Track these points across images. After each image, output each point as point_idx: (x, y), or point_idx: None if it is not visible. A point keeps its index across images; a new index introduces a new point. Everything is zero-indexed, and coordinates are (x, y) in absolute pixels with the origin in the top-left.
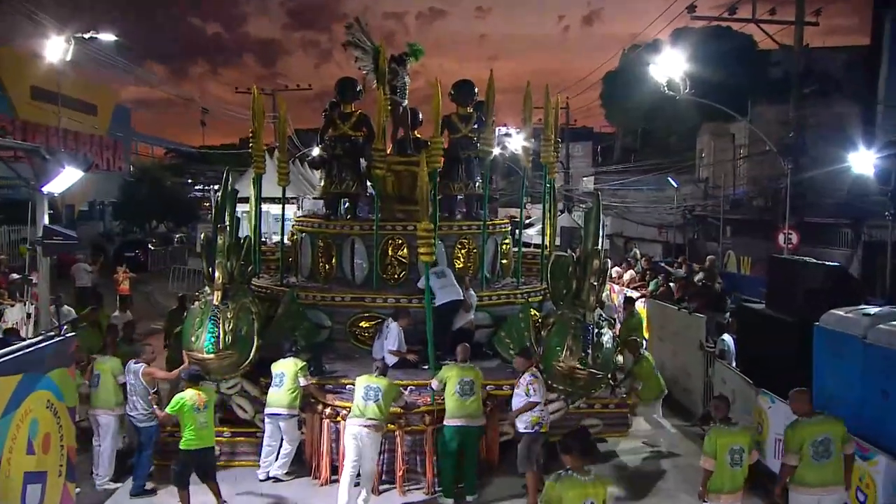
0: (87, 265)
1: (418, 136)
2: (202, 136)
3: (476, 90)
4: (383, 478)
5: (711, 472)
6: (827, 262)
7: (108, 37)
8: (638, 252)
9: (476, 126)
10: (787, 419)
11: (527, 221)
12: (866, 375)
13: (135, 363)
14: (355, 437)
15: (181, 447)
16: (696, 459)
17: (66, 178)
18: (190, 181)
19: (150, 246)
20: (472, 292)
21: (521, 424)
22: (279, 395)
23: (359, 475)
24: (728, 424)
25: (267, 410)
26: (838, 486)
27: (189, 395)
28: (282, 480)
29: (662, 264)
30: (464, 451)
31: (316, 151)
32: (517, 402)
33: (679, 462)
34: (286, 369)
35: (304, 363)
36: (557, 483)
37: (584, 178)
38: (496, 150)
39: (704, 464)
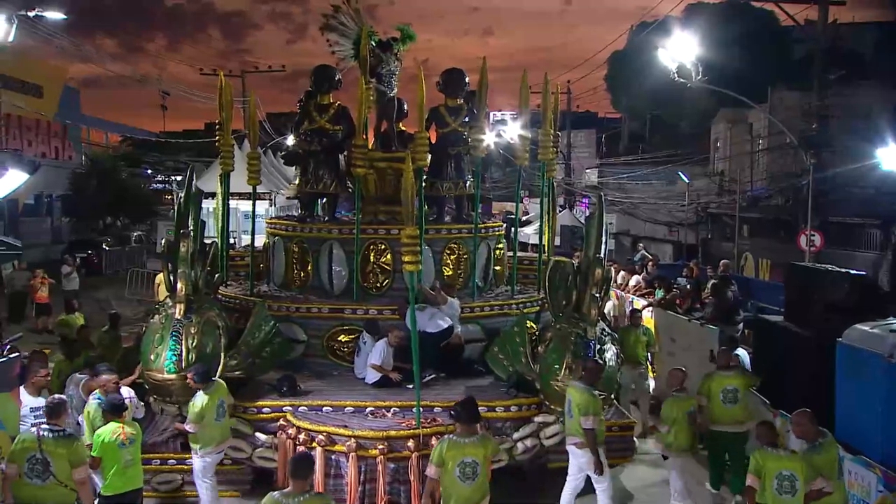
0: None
1: (404, 129)
2: (163, 120)
3: (467, 80)
4: None
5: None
6: (851, 271)
7: (56, 15)
8: (646, 253)
9: (467, 119)
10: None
11: (524, 218)
12: (891, 399)
13: (80, 373)
14: None
15: (102, 493)
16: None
17: (8, 182)
18: (149, 171)
19: (104, 245)
20: (455, 300)
21: None
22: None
23: None
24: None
25: None
26: None
27: (110, 430)
28: None
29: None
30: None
31: (290, 140)
32: None
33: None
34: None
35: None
36: (440, 445)
37: (587, 171)
38: (490, 140)
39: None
